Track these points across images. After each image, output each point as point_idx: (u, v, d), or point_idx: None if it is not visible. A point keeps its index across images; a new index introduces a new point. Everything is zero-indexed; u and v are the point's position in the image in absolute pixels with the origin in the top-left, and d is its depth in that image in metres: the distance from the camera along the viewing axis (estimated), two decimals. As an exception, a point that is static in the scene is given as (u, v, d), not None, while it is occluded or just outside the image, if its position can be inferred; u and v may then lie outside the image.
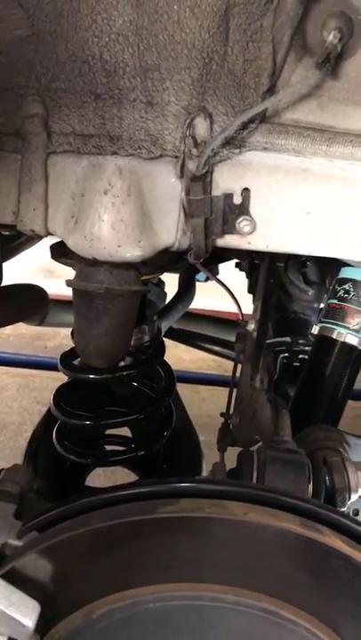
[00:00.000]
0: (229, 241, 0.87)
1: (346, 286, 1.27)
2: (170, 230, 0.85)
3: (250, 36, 0.74)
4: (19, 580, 0.64)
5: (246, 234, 0.85)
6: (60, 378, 1.30)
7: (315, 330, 1.33)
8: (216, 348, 1.99)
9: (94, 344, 0.91)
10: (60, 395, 1.27)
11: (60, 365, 1.24)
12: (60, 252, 0.99)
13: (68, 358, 1.23)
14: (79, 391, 1.31)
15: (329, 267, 1.52)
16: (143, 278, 0.99)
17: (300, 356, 1.60)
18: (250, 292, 1.65)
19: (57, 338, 3.64)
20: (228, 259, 1.75)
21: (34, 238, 1.52)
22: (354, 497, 0.96)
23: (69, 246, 0.87)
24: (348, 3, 0.70)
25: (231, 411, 1.22)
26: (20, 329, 3.56)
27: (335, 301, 1.28)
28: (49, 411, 1.32)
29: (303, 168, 0.83)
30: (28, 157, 0.83)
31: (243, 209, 0.84)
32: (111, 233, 0.82)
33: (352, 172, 0.83)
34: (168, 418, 1.37)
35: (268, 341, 1.34)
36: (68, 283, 0.90)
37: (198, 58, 0.75)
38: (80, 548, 0.68)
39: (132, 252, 0.84)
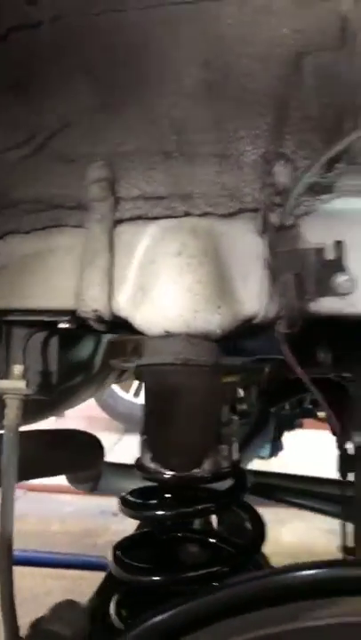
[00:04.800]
0: (325, 304, 0.74)
1: None
2: (254, 296, 0.74)
3: (325, 80, 0.70)
4: None
5: (344, 293, 0.72)
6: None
7: None
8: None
9: (173, 437, 0.71)
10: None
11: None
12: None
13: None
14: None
15: None
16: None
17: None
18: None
19: (107, 534, 3.29)
20: (297, 392, 1.54)
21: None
22: None
23: (137, 325, 0.75)
24: None
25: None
26: (68, 525, 3.25)
27: None
28: None
29: None
30: (93, 228, 0.76)
31: (337, 264, 0.73)
32: (188, 296, 0.71)
33: None
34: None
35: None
36: (138, 365, 0.75)
37: (272, 104, 0.71)
38: None
39: (211, 320, 0.71)
